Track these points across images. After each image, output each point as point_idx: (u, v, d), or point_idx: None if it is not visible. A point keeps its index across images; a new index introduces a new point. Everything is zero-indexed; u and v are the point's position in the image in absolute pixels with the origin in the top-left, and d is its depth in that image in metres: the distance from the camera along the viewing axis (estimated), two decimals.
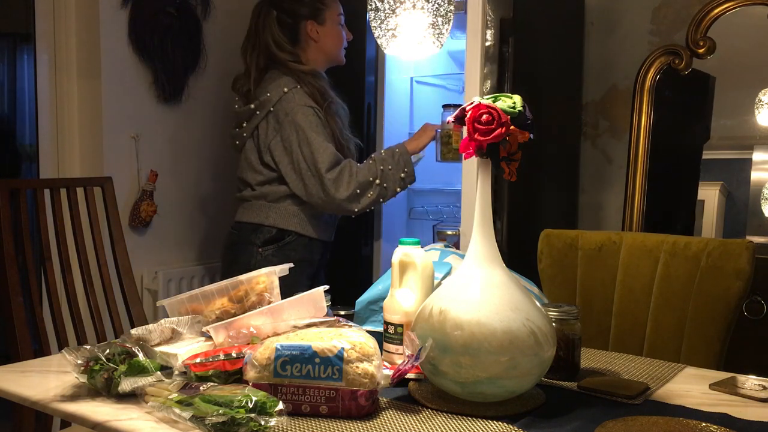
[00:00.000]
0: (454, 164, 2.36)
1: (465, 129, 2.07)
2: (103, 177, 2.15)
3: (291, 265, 1.48)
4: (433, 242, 2.44)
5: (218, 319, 1.35)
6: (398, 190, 2.27)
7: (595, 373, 1.31)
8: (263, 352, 1.09)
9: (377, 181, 2.22)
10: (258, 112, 2.28)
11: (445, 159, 2.35)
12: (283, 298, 1.38)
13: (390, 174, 2.23)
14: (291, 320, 1.28)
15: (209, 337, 1.31)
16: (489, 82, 2.06)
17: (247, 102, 2.32)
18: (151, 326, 1.30)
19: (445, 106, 2.41)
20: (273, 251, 2.26)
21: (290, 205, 2.28)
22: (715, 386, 1.23)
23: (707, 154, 2.23)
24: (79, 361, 1.15)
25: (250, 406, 0.99)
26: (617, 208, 2.37)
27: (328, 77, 2.40)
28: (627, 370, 1.34)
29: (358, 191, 2.20)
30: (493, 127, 1.09)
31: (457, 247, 2.01)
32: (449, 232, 2.49)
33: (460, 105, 2.15)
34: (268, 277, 1.41)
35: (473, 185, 2.03)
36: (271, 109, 2.24)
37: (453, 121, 1.16)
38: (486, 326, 1.07)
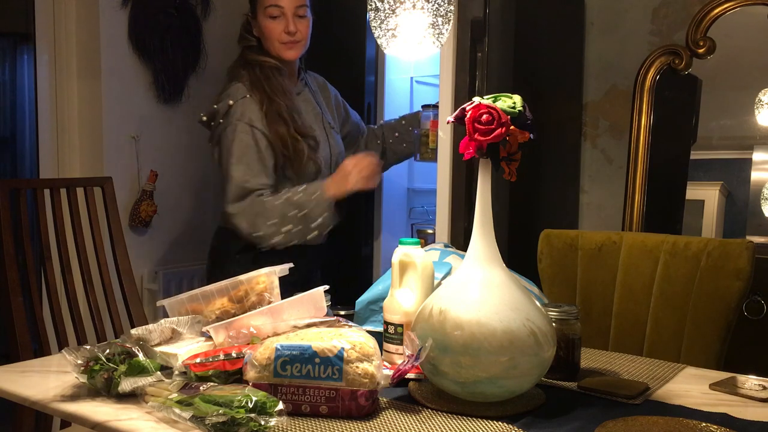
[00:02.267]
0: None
1: (440, 130, 2.07)
2: (103, 177, 2.15)
3: (291, 265, 1.47)
4: None
5: (218, 319, 1.35)
6: (309, 237, 2.07)
7: (595, 373, 1.31)
8: (263, 352, 1.09)
9: (283, 229, 2.02)
10: (212, 123, 2.17)
11: (424, 159, 2.35)
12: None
13: (302, 218, 2.03)
14: (291, 320, 1.28)
15: (209, 337, 1.31)
16: (463, 83, 2.04)
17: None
18: (151, 326, 1.30)
19: (424, 106, 2.40)
20: (251, 259, 2.07)
21: None
22: (715, 386, 1.23)
23: (708, 154, 2.23)
24: (79, 361, 1.15)
25: (250, 406, 0.99)
26: (617, 208, 2.37)
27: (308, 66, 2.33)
28: (627, 370, 1.34)
29: (261, 233, 2.03)
30: (493, 127, 1.09)
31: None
32: (429, 231, 2.48)
33: (437, 105, 2.15)
34: (267, 277, 1.41)
35: (447, 184, 2.04)
36: (221, 121, 2.11)
37: (453, 121, 1.16)
38: (486, 326, 1.07)
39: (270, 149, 2.08)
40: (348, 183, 2.08)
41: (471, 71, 2.01)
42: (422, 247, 1.32)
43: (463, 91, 2.02)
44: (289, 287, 1.96)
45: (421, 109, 2.41)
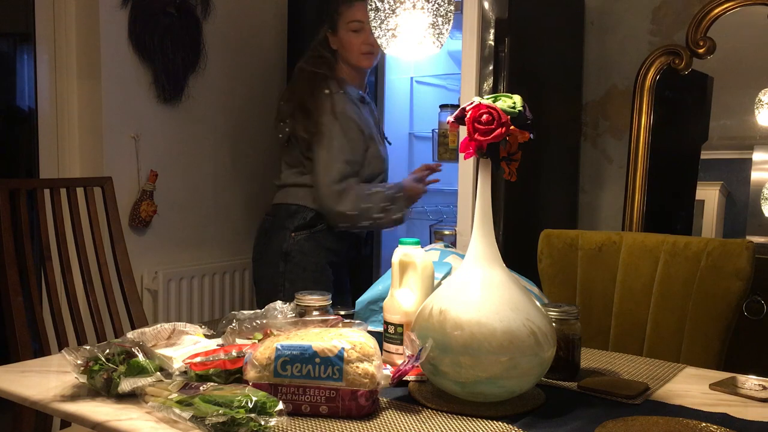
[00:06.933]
0: (453, 164, 2.36)
1: (461, 130, 2.06)
2: (103, 177, 2.15)
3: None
4: (431, 242, 2.44)
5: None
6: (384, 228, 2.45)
7: (595, 373, 1.31)
8: (263, 352, 1.09)
9: (374, 215, 2.28)
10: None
11: (442, 159, 2.35)
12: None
13: (387, 211, 2.31)
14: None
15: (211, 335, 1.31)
16: (485, 82, 2.05)
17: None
18: (146, 329, 1.31)
19: (442, 107, 2.40)
20: (305, 237, 2.30)
21: None
22: (715, 386, 1.23)
23: (707, 154, 2.23)
24: (79, 361, 1.15)
25: (250, 406, 0.99)
26: (617, 208, 2.37)
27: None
28: (627, 370, 1.34)
29: (358, 213, 2.28)
30: (493, 127, 1.09)
31: (454, 247, 2.00)
32: (446, 232, 2.48)
33: (457, 105, 2.15)
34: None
35: (470, 185, 2.02)
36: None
37: (453, 121, 1.16)
38: (486, 326, 1.07)
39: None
40: (419, 189, 2.37)
41: (495, 71, 2.01)
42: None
43: (484, 92, 2.02)
44: (335, 266, 2.37)
45: (439, 110, 2.41)
